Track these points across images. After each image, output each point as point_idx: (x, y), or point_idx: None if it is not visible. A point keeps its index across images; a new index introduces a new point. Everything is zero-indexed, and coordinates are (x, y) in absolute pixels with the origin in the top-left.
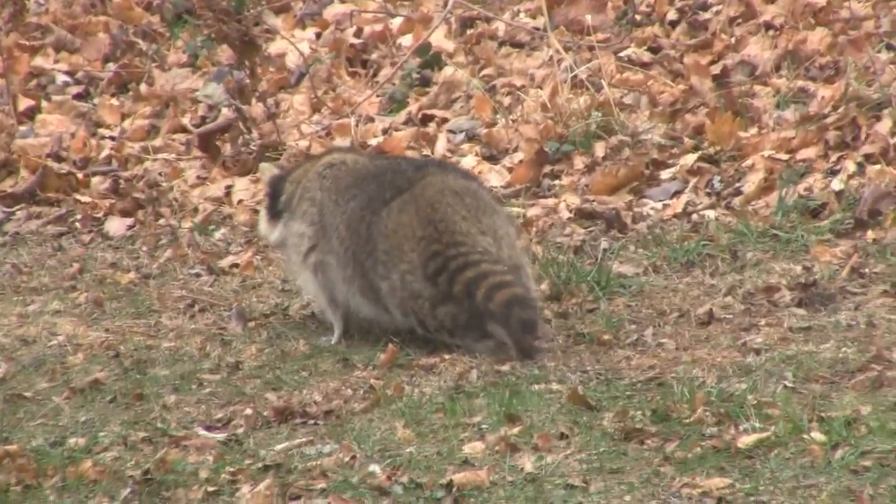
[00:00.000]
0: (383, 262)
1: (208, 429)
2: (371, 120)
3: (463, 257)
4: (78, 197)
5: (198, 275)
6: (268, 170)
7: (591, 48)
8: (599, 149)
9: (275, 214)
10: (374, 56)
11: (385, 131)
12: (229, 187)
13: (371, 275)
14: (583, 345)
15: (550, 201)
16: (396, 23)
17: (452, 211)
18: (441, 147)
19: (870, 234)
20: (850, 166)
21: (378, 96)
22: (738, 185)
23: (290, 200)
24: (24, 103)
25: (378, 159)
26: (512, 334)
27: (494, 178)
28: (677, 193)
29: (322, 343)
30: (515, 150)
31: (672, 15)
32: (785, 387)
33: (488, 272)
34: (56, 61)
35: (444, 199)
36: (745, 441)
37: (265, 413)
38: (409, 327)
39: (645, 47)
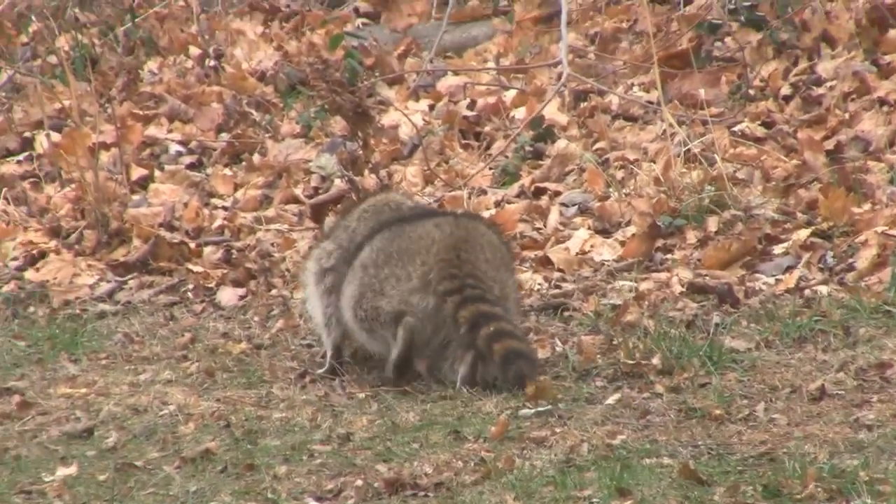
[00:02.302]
0: (386, 259)
1: (319, 500)
2: (483, 192)
3: (480, 290)
4: (190, 267)
5: (309, 345)
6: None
7: (704, 122)
8: (712, 223)
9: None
10: (487, 128)
11: (497, 203)
12: None
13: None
14: (694, 419)
15: (663, 275)
16: (510, 95)
17: (480, 250)
18: (553, 220)
19: None
20: None
21: (491, 168)
22: (850, 260)
23: (330, 228)
24: (137, 172)
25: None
26: (505, 382)
27: (607, 251)
28: (790, 268)
29: (317, 373)
30: (628, 223)
31: (786, 90)
32: None
33: (501, 315)
34: (169, 131)
35: (478, 241)
36: None
37: (375, 484)
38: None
39: (758, 122)
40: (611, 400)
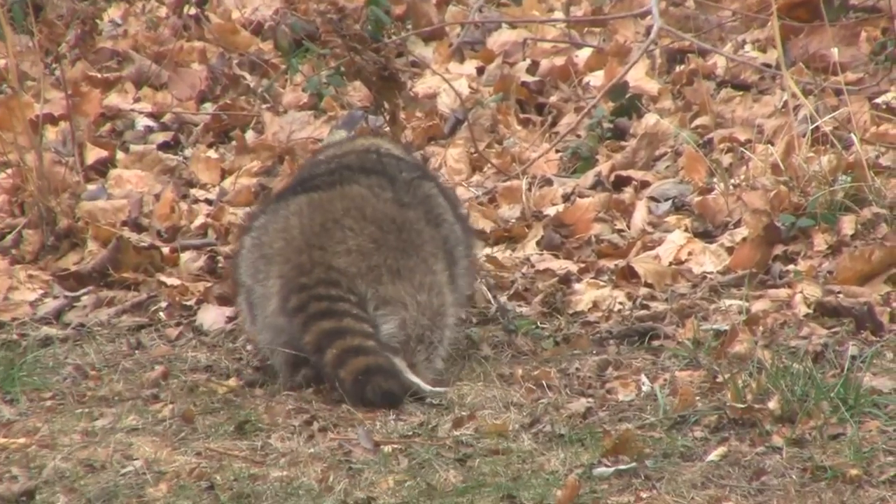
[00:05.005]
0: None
1: None
2: (548, 182)
3: (326, 302)
4: (163, 279)
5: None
6: None
7: (837, 92)
8: (848, 224)
9: None
10: (553, 99)
11: (567, 197)
12: None
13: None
14: (824, 481)
15: (783, 292)
16: (583, 56)
17: (342, 237)
18: (640, 219)
19: None
20: None
21: (558, 151)
22: None
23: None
24: (94, 154)
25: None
26: (370, 407)
27: (709, 261)
28: None
29: None
30: (737, 224)
31: None
32: None
33: (347, 329)
34: (136, 100)
35: (341, 221)
36: None
37: None
38: None
39: None
40: (714, 455)
